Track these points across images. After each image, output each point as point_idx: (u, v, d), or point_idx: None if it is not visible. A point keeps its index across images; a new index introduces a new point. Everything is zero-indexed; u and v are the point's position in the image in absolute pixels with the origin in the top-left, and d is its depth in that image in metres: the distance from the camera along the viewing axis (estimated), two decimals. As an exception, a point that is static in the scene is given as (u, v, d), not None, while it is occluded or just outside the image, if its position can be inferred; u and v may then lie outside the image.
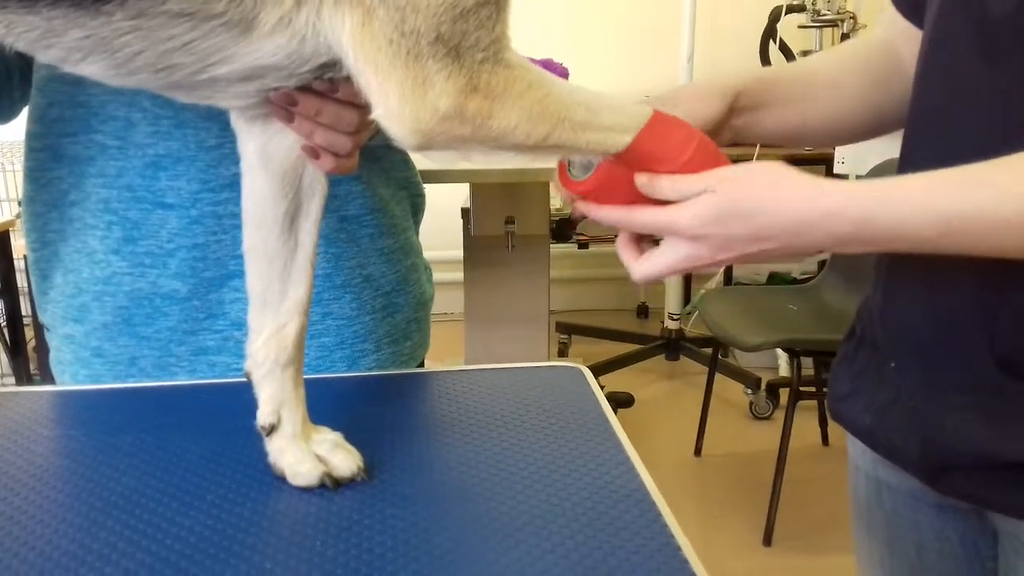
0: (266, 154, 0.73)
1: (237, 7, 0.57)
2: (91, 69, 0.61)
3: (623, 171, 0.70)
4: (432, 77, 0.59)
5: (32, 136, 0.93)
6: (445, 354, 3.05)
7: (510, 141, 0.63)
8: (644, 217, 0.70)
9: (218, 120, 0.87)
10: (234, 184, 0.89)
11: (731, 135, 0.84)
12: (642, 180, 0.69)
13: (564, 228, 3.20)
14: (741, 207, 0.66)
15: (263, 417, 0.76)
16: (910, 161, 0.77)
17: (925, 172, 0.64)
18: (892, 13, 0.86)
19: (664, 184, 0.69)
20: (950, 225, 0.63)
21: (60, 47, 0.58)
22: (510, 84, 0.61)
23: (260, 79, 0.63)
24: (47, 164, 0.93)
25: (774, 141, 0.90)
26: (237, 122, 0.73)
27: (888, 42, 0.86)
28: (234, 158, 0.89)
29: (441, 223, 2.17)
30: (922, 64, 0.76)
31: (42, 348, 1.06)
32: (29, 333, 2.95)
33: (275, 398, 0.75)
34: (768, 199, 0.66)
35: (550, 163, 0.72)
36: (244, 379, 0.77)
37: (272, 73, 0.63)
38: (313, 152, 0.72)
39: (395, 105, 0.60)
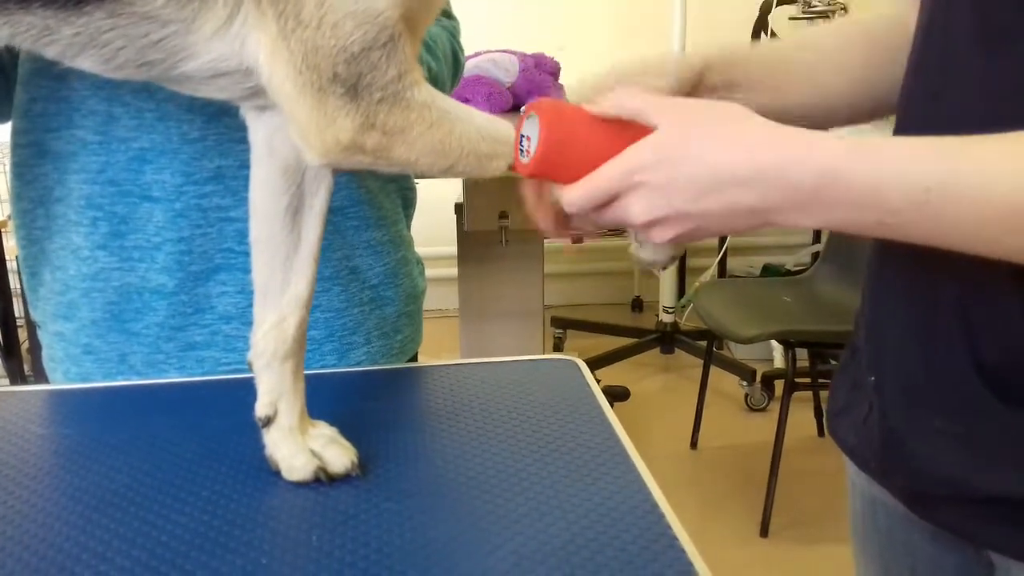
0: (271, 146, 0.73)
1: (180, 13, 0.62)
2: (87, 64, 0.65)
3: (566, 132, 0.65)
4: (332, 112, 0.63)
5: (17, 132, 0.93)
6: (440, 350, 3.05)
7: (413, 170, 0.67)
8: (596, 182, 0.63)
9: (201, 113, 0.87)
10: (218, 177, 0.90)
11: None
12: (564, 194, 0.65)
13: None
14: (683, 151, 0.59)
15: (260, 408, 0.76)
16: None
17: (908, 137, 0.57)
18: None
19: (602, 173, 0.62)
20: (928, 195, 0.54)
21: (58, 44, 0.63)
22: (408, 124, 0.64)
23: (227, 76, 0.66)
24: (32, 160, 0.92)
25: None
26: (247, 112, 0.74)
27: (898, 18, 0.79)
28: (218, 150, 0.89)
29: (434, 218, 2.16)
30: (916, 49, 0.71)
31: (36, 349, 1.05)
32: (23, 335, 2.93)
33: (273, 390, 0.75)
34: (717, 140, 0.58)
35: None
36: (235, 375, 0.77)
37: (233, 74, 0.66)
38: None
39: (303, 130, 0.64)
